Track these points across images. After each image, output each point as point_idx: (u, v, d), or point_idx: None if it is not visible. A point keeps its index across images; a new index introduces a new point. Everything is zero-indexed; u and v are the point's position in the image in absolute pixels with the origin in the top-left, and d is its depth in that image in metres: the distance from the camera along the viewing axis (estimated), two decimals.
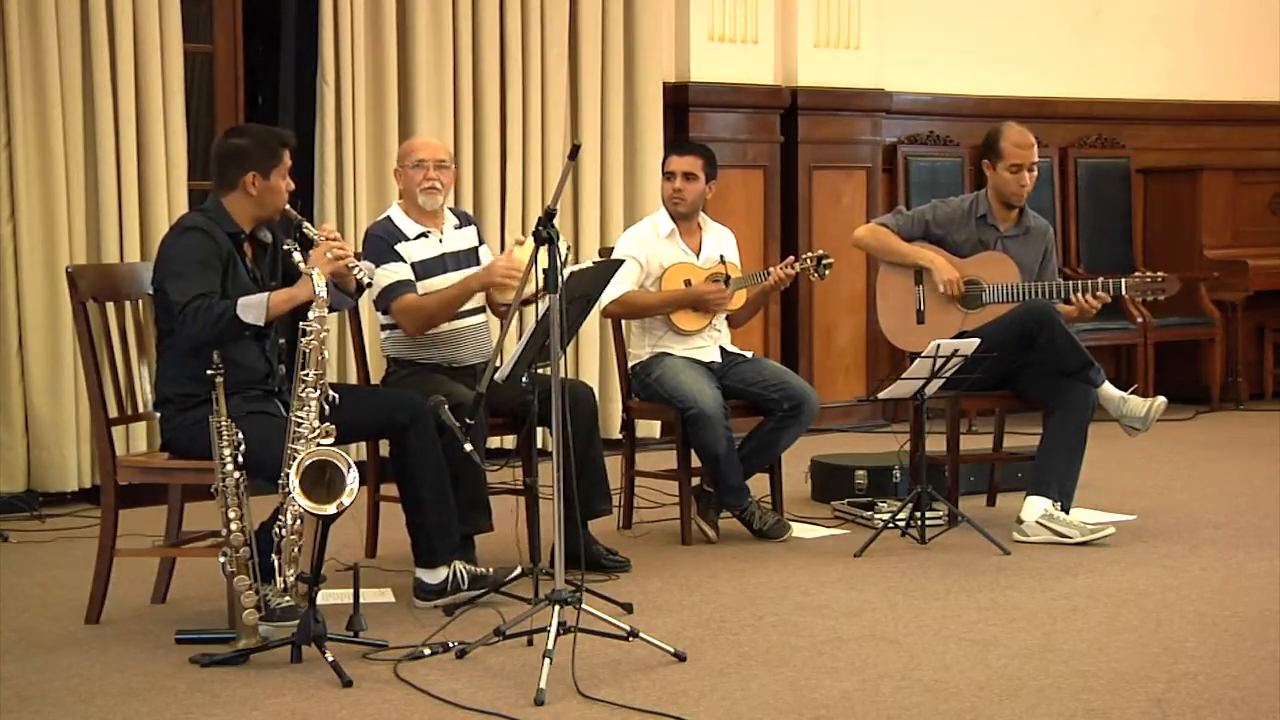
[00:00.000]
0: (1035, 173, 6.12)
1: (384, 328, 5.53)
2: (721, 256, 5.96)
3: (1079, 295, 5.88)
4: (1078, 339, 5.86)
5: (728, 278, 5.92)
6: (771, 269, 5.99)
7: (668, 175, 5.97)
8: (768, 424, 5.85)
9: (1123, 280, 5.97)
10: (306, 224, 4.74)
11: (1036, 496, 5.78)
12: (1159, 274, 6.07)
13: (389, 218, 5.50)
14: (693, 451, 5.84)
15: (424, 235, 5.44)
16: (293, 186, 4.81)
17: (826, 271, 5.95)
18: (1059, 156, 9.39)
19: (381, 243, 5.42)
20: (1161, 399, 5.96)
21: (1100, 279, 6.03)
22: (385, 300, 5.38)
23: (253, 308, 4.59)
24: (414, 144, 5.64)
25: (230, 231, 4.72)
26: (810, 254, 6.00)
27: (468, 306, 5.48)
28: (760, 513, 5.86)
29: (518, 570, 4.91)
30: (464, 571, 4.87)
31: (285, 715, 3.92)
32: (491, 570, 4.92)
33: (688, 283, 5.90)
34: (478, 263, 5.53)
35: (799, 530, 5.99)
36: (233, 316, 4.56)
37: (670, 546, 5.79)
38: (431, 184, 5.44)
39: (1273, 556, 5.49)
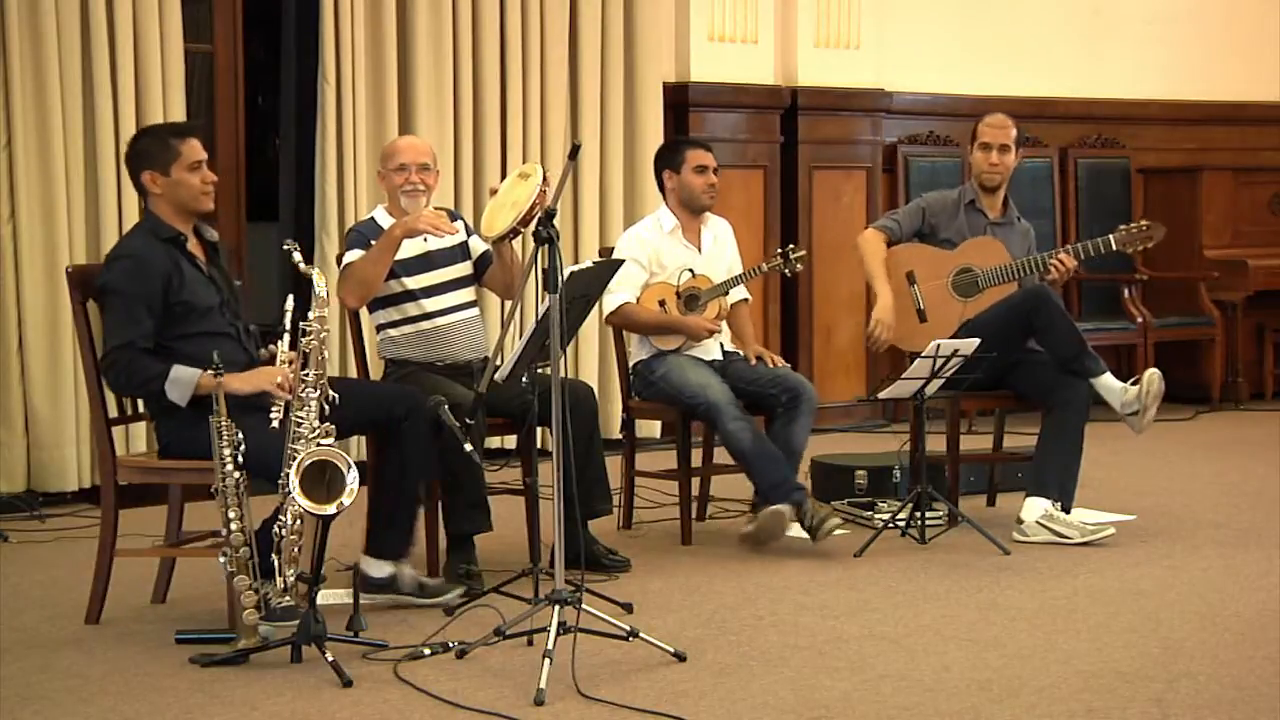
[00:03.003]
0: (1010, 157, 6.12)
1: (379, 328, 5.53)
2: (691, 270, 5.95)
3: (1054, 258, 5.94)
4: (1076, 326, 5.87)
5: (697, 292, 5.91)
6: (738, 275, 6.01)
7: (700, 169, 5.96)
8: (775, 423, 5.81)
9: (1110, 237, 6.03)
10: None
11: (1036, 497, 5.78)
12: (1143, 222, 6.13)
13: (372, 218, 5.52)
14: (695, 452, 5.82)
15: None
16: (212, 178, 4.75)
17: (799, 265, 5.98)
18: (1059, 156, 9.39)
19: (360, 236, 5.44)
20: (1153, 371, 5.88)
21: (1090, 241, 6.07)
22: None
23: (180, 385, 4.52)
24: (397, 146, 5.61)
25: (168, 237, 4.71)
26: (777, 252, 6.04)
27: (458, 301, 5.49)
28: (813, 509, 5.64)
29: (459, 591, 4.89)
30: (408, 576, 4.84)
31: (285, 715, 3.92)
32: (434, 581, 4.89)
33: (662, 303, 5.91)
34: (466, 256, 5.54)
35: (798, 530, 5.98)
36: (159, 390, 4.54)
37: (670, 546, 5.79)
38: (414, 187, 5.42)
39: (1273, 556, 5.49)
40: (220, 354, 4.47)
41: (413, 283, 5.43)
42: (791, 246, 6.05)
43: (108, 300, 4.67)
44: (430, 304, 5.45)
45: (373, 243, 5.36)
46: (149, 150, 4.75)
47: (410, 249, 5.42)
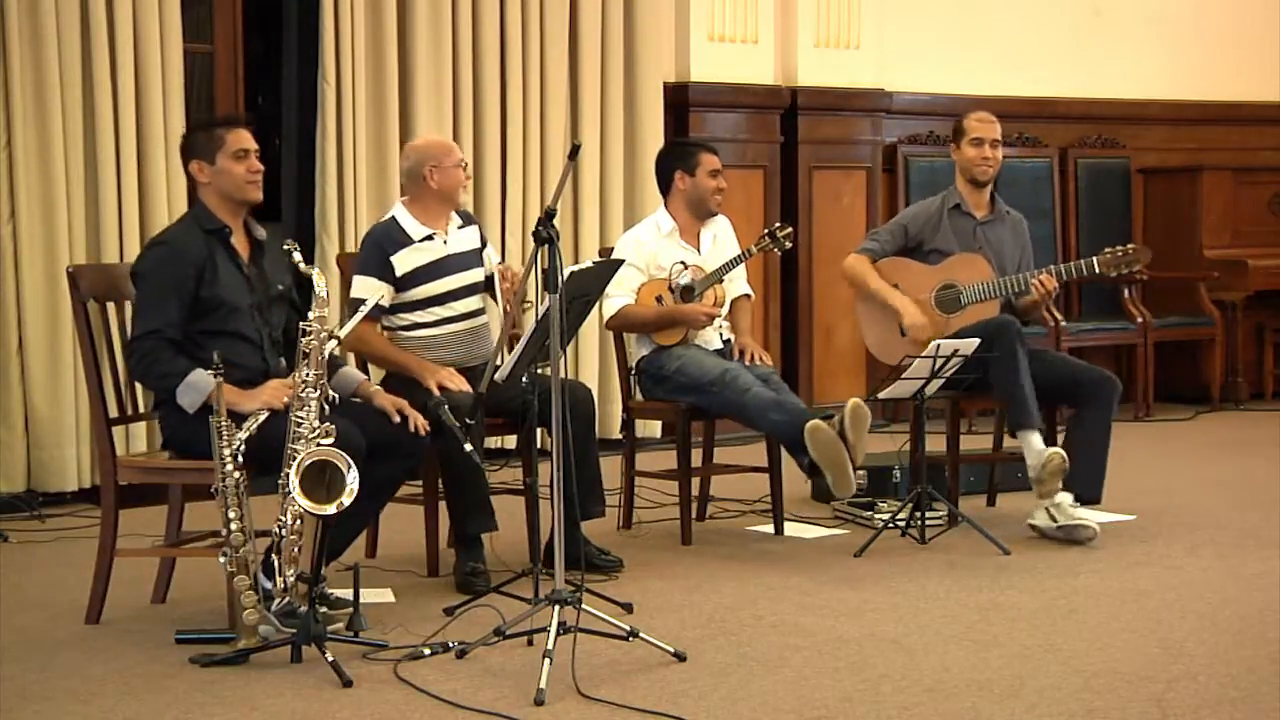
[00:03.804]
0: (999, 151, 6.15)
1: (385, 329, 5.52)
2: (684, 262, 5.94)
3: (1034, 279, 5.92)
4: (1026, 378, 5.76)
5: (691, 282, 5.91)
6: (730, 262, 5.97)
7: (714, 174, 5.96)
8: None
9: (1095, 260, 5.99)
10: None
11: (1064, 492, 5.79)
12: (1129, 246, 6.09)
13: (394, 219, 5.45)
14: (695, 452, 5.81)
15: (429, 238, 5.41)
16: (258, 167, 4.77)
17: (787, 242, 5.98)
18: (1059, 156, 9.39)
19: (378, 251, 5.37)
20: (1055, 451, 5.69)
21: (1074, 263, 6.07)
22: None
23: (194, 390, 4.53)
24: (446, 144, 5.58)
25: (211, 229, 4.72)
26: (764, 232, 6.00)
27: (470, 308, 5.48)
28: (836, 416, 5.52)
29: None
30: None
31: (285, 715, 3.92)
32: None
33: (659, 299, 5.91)
34: (480, 264, 5.53)
35: (799, 530, 5.98)
36: (173, 389, 4.55)
37: (670, 546, 5.79)
38: (468, 179, 5.50)
39: (1273, 556, 5.49)
40: (234, 357, 4.49)
41: (425, 290, 5.39)
42: (778, 225, 6.02)
43: (138, 286, 4.68)
44: (442, 310, 5.43)
45: (392, 260, 5.33)
46: (196, 141, 4.81)
47: (429, 255, 5.39)
